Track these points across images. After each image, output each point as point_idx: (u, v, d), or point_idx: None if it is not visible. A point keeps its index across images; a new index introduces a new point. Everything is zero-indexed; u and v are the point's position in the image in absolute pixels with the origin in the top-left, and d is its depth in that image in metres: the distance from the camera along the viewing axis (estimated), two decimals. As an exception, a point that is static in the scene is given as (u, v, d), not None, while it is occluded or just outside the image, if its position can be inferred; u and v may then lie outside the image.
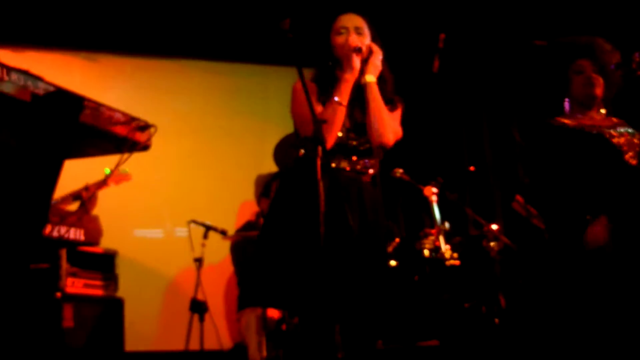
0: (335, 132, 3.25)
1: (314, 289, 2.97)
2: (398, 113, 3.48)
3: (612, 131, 3.46)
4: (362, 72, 3.37)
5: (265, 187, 5.87)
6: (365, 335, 3.31)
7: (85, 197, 4.65)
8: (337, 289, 3.04)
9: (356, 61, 3.32)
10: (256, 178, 6.59)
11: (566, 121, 3.53)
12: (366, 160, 3.37)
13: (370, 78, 3.36)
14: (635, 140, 3.45)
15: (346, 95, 3.29)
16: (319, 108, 3.27)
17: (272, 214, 3.43)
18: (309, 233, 2.98)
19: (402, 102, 3.52)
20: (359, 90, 3.37)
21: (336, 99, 3.26)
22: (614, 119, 3.55)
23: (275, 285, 3.21)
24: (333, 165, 3.31)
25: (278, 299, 3.40)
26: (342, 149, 3.33)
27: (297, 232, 3.14)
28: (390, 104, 3.43)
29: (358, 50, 3.33)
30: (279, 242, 3.23)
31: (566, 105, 3.61)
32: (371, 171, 3.39)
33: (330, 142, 3.22)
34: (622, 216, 3.27)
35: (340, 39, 3.41)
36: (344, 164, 3.32)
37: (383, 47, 3.45)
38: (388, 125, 3.35)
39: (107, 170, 4.97)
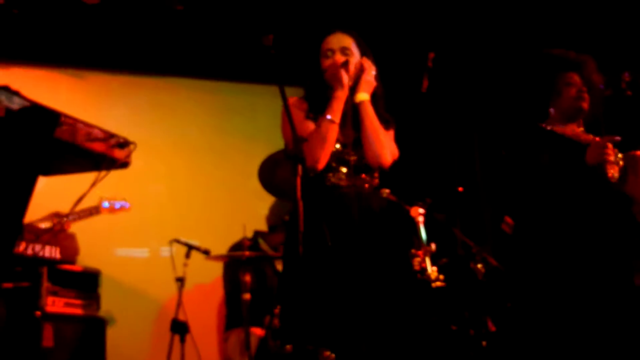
0: (328, 150, 3.22)
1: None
2: (392, 131, 3.46)
3: None
4: (355, 90, 3.33)
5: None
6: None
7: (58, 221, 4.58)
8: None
9: (344, 76, 3.27)
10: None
11: (555, 128, 3.52)
12: (365, 174, 3.34)
13: (363, 96, 3.32)
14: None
15: (338, 112, 3.25)
16: (310, 126, 3.26)
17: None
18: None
19: (394, 120, 3.49)
20: (352, 107, 3.32)
21: (328, 116, 3.22)
22: (591, 135, 3.53)
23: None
24: (332, 181, 3.28)
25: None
26: (340, 163, 3.29)
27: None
28: (384, 122, 3.40)
29: (345, 63, 3.29)
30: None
31: (551, 113, 3.59)
32: (375, 182, 3.38)
33: (324, 160, 3.20)
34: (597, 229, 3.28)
35: (327, 62, 3.38)
36: (343, 180, 3.29)
37: (376, 62, 3.42)
38: (385, 145, 3.32)
39: (106, 204, 4.94)
